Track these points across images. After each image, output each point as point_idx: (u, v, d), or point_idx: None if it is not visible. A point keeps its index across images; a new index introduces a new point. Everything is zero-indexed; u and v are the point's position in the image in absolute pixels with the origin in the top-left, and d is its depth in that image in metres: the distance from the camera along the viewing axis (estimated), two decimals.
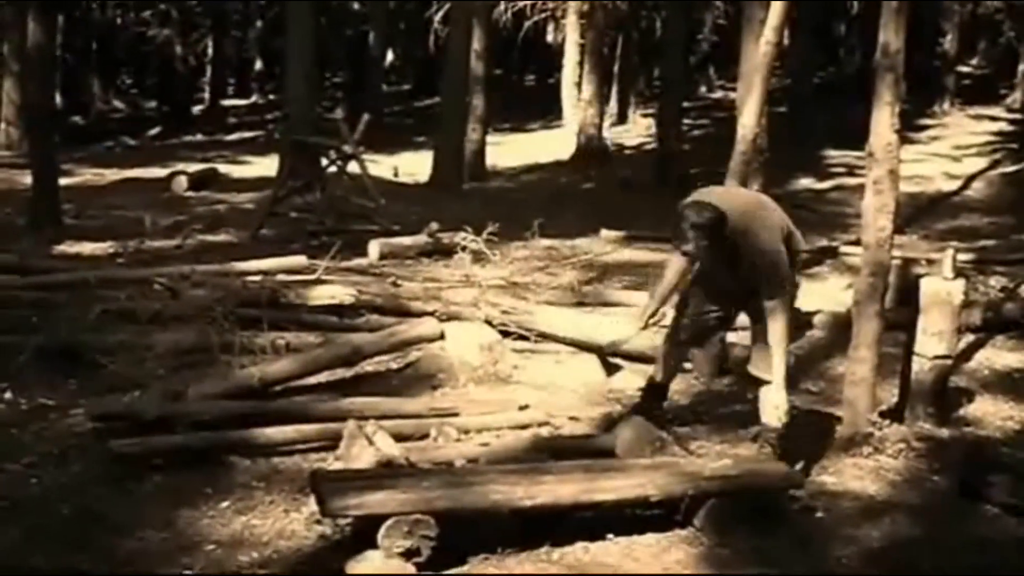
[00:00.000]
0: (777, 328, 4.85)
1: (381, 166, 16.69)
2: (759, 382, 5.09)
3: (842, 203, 15.14)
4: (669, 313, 5.51)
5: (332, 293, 7.66)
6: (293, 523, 4.43)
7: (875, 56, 5.68)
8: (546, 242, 11.62)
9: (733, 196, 5.25)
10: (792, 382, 6.58)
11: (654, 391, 5.54)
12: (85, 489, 4.71)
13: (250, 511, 4.55)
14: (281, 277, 8.51)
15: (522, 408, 5.80)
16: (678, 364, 5.65)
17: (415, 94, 33.83)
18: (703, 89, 29.31)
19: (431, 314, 7.24)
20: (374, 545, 3.94)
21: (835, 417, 5.87)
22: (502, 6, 23.46)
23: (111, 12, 34.21)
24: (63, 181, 13.07)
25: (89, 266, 9.24)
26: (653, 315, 5.44)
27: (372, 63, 29.03)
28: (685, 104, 20.87)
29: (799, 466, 5.09)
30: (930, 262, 8.96)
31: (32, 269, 8.69)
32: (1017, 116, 21.41)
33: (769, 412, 5.05)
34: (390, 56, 35.93)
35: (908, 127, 12.59)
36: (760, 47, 8.56)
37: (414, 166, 19.07)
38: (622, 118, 25.91)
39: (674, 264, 5.22)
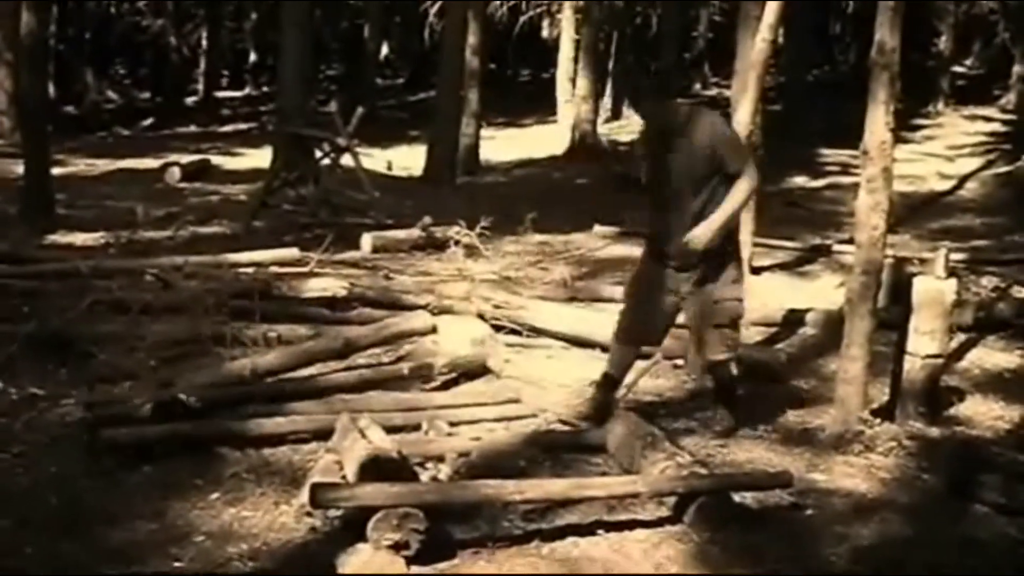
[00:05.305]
0: (736, 194, 5.16)
1: (375, 159, 16.65)
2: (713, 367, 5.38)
3: (836, 201, 15.14)
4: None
5: (324, 286, 7.66)
6: (283, 515, 4.42)
7: (870, 54, 5.68)
8: (539, 237, 11.61)
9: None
10: (783, 379, 6.64)
11: (607, 384, 5.67)
12: (75, 479, 4.70)
13: (240, 503, 4.54)
14: (273, 269, 8.50)
15: (513, 402, 5.79)
16: (629, 357, 5.72)
17: (409, 88, 33.78)
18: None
19: (423, 308, 7.24)
20: (364, 538, 3.94)
21: (826, 415, 5.87)
22: (497, 1, 23.43)
23: (105, 2, 34.07)
24: (56, 171, 13.01)
25: (81, 256, 9.20)
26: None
27: (367, 56, 28.98)
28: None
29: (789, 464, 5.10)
30: (923, 261, 8.96)
31: (24, 258, 8.67)
32: (1011, 117, 21.42)
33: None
34: (385, 50, 35.88)
35: (902, 126, 12.57)
36: (756, 44, 8.57)
37: (408, 160, 19.03)
38: (616, 114, 25.89)
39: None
